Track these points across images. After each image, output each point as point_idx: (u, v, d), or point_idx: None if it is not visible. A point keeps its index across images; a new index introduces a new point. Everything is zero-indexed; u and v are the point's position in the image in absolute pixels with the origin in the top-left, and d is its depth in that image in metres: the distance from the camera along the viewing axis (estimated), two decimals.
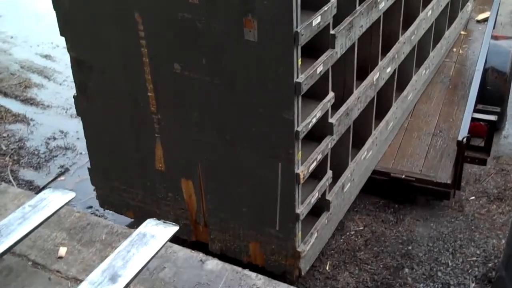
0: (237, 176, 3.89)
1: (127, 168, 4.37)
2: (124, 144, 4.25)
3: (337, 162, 4.28)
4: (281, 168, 3.66)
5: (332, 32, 3.63)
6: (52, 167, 5.94)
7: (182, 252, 2.62)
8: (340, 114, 4.02)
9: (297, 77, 3.36)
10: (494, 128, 5.35)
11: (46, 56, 8.10)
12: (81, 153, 6.03)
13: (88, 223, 2.79)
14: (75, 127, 6.25)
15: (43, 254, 2.60)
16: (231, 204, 4.04)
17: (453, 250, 4.89)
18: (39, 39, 8.48)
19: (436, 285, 4.56)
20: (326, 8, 3.47)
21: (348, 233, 5.06)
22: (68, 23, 3.95)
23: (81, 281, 2.30)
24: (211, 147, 3.87)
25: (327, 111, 3.83)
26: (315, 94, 3.71)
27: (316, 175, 3.97)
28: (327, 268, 4.72)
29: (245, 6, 3.23)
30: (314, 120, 3.65)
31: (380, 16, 4.33)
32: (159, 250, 2.38)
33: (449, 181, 4.99)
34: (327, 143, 3.92)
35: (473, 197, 5.52)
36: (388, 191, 5.24)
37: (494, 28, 7.00)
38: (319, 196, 4.03)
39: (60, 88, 7.34)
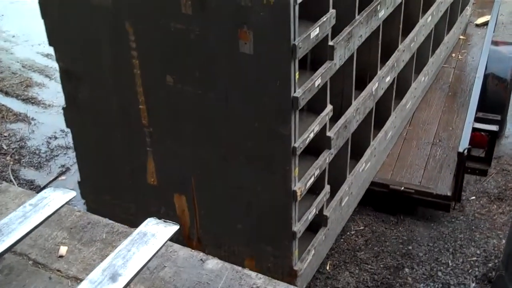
0: (231, 192, 3.76)
1: (118, 182, 4.23)
2: (115, 157, 4.12)
3: (335, 176, 4.15)
4: (277, 184, 3.53)
5: (330, 43, 3.50)
6: (53, 167, 5.93)
7: (183, 252, 2.61)
8: (339, 127, 3.90)
9: (295, 92, 3.22)
10: (495, 138, 5.23)
11: (48, 55, 8.00)
12: None
13: (89, 222, 2.78)
14: None
15: (44, 253, 2.61)
16: (226, 220, 3.91)
17: (454, 250, 4.87)
18: (41, 38, 8.23)
19: (436, 285, 4.54)
20: (324, 19, 3.34)
21: (348, 233, 5.03)
22: (57, 33, 3.82)
23: (81, 280, 2.32)
24: (205, 162, 3.74)
25: (325, 124, 3.70)
26: (312, 107, 3.59)
27: (313, 190, 3.84)
28: (328, 268, 4.70)
29: (240, 17, 3.10)
30: (311, 135, 3.52)
31: (379, 25, 4.21)
32: (159, 249, 2.38)
33: (449, 193, 4.89)
34: (325, 158, 3.79)
35: (474, 197, 5.51)
36: (387, 203, 5.12)
37: (494, 28, 6.89)
38: (317, 212, 3.90)
39: (61, 88, 7.23)
